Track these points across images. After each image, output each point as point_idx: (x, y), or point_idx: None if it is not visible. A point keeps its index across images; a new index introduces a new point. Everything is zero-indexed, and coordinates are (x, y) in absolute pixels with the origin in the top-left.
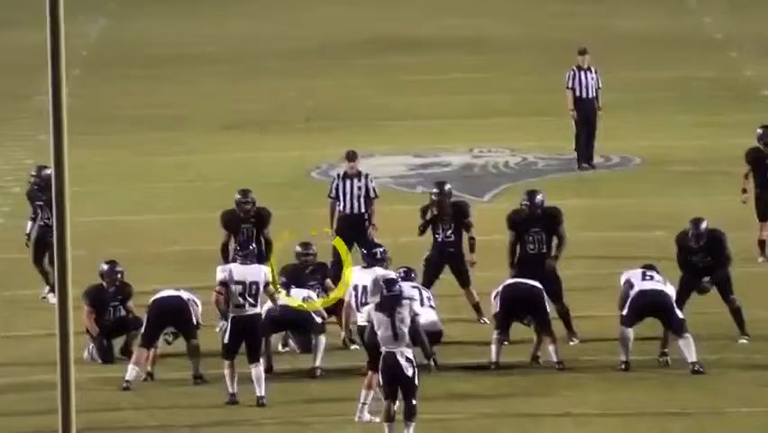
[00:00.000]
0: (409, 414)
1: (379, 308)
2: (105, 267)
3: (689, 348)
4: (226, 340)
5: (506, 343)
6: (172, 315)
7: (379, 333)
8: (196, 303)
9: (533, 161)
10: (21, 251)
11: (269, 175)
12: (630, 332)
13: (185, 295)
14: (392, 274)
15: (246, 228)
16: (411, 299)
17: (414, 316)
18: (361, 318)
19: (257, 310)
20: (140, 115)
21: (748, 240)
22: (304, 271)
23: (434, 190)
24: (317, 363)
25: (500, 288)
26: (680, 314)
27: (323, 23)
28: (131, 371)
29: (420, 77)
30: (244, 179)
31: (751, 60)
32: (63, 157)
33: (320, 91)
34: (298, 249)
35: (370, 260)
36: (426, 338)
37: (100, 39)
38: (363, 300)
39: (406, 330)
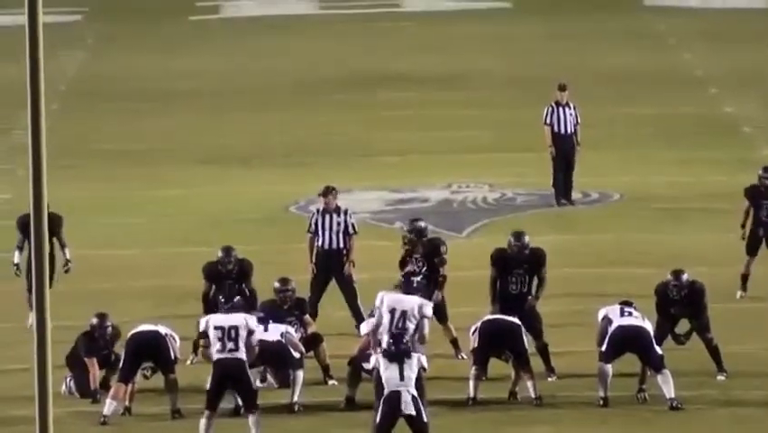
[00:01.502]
0: None
1: (387, 356)
2: (95, 321)
3: (667, 384)
4: (208, 386)
5: (483, 378)
6: (150, 350)
7: (384, 375)
8: (173, 338)
9: (511, 197)
10: None
11: (246, 210)
12: (609, 368)
13: (162, 330)
14: (427, 306)
15: (229, 284)
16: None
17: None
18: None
19: (239, 355)
20: (117, 149)
21: (727, 276)
22: (282, 307)
23: (407, 228)
24: (295, 398)
25: (479, 323)
26: (658, 350)
27: (301, 58)
28: (109, 405)
29: (398, 112)
30: (221, 214)
31: (731, 97)
32: (42, 191)
33: (298, 126)
34: (277, 285)
35: (406, 288)
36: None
37: (78, 73)
38: (400, 325)
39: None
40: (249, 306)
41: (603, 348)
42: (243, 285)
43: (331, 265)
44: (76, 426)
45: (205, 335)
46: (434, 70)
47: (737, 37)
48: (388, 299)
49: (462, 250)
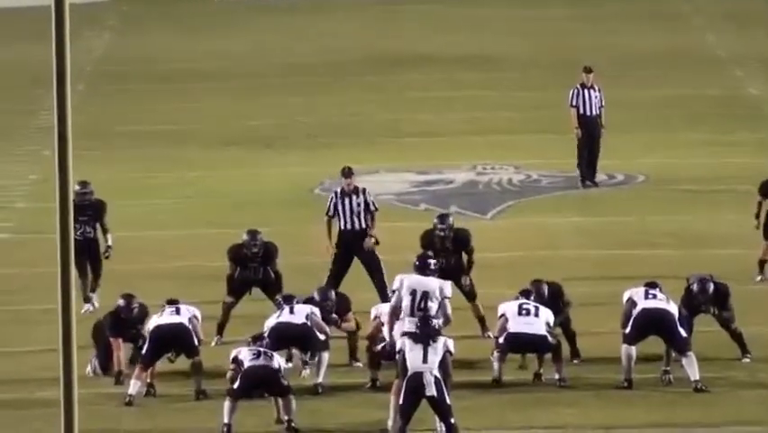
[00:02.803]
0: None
1: (412, 337)
2: (122, 303)
3: (691, 367)
4: (236, 386)
5: (505, 360)
6: (174, 341)
7: (408, 356)
8: (196, 317)
9: (537, 179)
10: (23, 265)
11: (271, 192)
12: (633, 350)
13: (186, 313)
14: (447, 287)
15: (253, 266)
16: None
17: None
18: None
19: (273, 364)
20: (142, 131)
21: (751, 258)
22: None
23: (438, 225)
24: (320, 379)
25: (506, 306)
26: (683, 332)
27: (326, 40)
28: (133, 385)
29: (424, 93)
30: (246, 196)
31: (756, 79)
32: (68, 173)
33: (323, 107)
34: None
35: (424, 270)
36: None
37: (104, 54)
38: (422, 306)
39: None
40: (275, 288)
41: (627, 330)
42: (268, 268)
43: (354, 245)
44: (102, 407)
45: (236, 361)
46: (460, 52)
47: (762, 18)
48: (408, 281)
49: (487, 231)
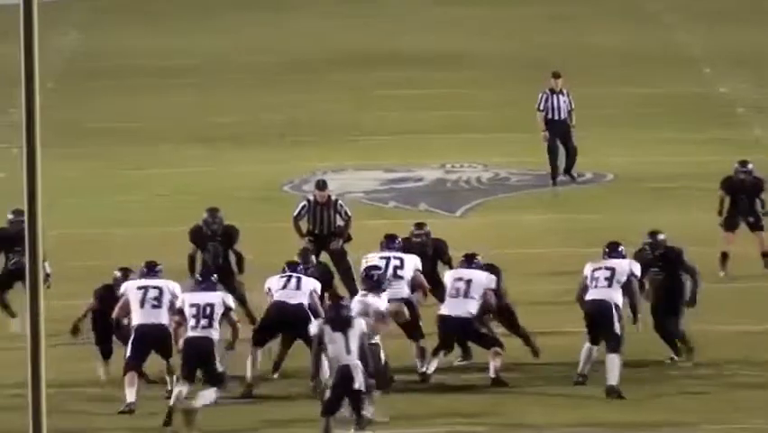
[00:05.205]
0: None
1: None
2: (119, 274)
3: (613, 369)
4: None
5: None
6: (155, 340)
7: (330, 347)
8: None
9: (506, 177)
10: None
11: (241, 189)
12: (594, 349)
13: (165, 317)
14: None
15: (213, 246)
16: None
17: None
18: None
19: (211, 334)
20: (112, 128)
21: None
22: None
23: (416, 232)
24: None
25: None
26: (618, 330)
27: (296, 37)
28: (129, 394)
29: (393, 92)
30: (216, 193)
31: (725, 77)
32: (36, 171)
33: (292, 105)
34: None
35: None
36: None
37: (73, 51)
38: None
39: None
40: (238, 268)
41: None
42: (229, 249)
43: (324, 246)
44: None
45: (180, 312)
46: (431, 50)
47: (732, 17)
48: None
49: (456, 229)
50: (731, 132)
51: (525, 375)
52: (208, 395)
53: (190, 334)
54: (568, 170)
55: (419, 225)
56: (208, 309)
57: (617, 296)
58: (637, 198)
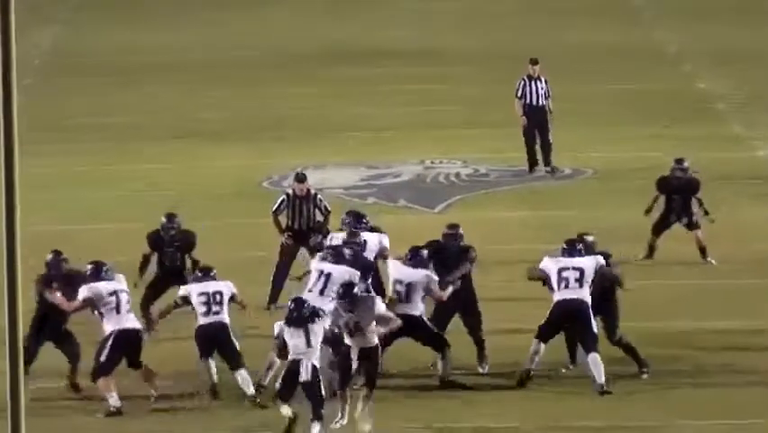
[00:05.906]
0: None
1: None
2: (50, 257)
3: (597, 368)
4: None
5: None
6: (131, 346)
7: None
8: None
9: (485, 173)
10: None
11: (220, 185)
12: (542, 346)
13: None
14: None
15: (170, 251)
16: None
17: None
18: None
19: (224, 319)
20: (92, 124)
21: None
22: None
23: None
24: None
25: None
26: (595, 329)
27: (275, 32)
28: (110, 398)
29: (372, 87)
30: (193, 189)
31: (704, 74)
32: (14, 165)
33: (271, 101)
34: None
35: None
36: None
37: (53, 47)
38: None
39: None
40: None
41: (542, 324)
42: (186, 255)
43: (302, 242)
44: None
45: (186, 301)
46: (409, 45)
47: (712, 13)
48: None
49: (435, 225)
50: (711, 128)
51: (504, 372)
52: (244, 377)
53: (202, 321)
54: (547, 164)
55: (452, 226)
56: (218, 296)
57: (588, 295)
58: (616, 195)
